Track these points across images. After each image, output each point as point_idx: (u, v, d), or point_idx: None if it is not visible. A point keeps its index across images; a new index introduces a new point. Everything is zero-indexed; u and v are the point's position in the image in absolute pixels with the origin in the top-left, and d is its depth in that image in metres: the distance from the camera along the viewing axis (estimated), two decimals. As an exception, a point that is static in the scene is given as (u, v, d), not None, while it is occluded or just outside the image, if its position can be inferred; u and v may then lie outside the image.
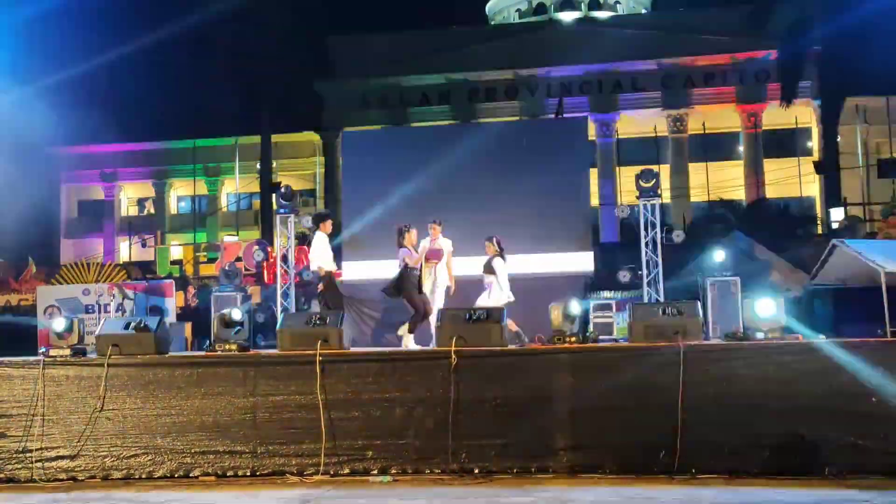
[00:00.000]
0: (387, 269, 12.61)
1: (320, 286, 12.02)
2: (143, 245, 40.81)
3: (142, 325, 9.05)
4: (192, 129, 41.64)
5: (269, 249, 20.93)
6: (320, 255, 11.84)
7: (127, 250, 43.93)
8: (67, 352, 8.97)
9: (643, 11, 51.81)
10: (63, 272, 22.73)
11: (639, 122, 40.87)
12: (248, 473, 8.41)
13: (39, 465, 8.56)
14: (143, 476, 8.45)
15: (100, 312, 16.99)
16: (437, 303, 11.62)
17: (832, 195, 32.01)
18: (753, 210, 32.72)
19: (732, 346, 8.67)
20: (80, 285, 19.27)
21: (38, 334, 16.26)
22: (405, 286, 11.57)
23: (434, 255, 11.84)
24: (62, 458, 8.57)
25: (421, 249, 11.78)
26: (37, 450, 8.58)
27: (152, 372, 8.73)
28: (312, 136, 43.66)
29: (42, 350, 9.23)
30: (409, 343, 11.33)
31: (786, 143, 39.62)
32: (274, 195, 17.84)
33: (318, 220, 12.31)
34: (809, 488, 7.40)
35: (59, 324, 9.28)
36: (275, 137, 37.62)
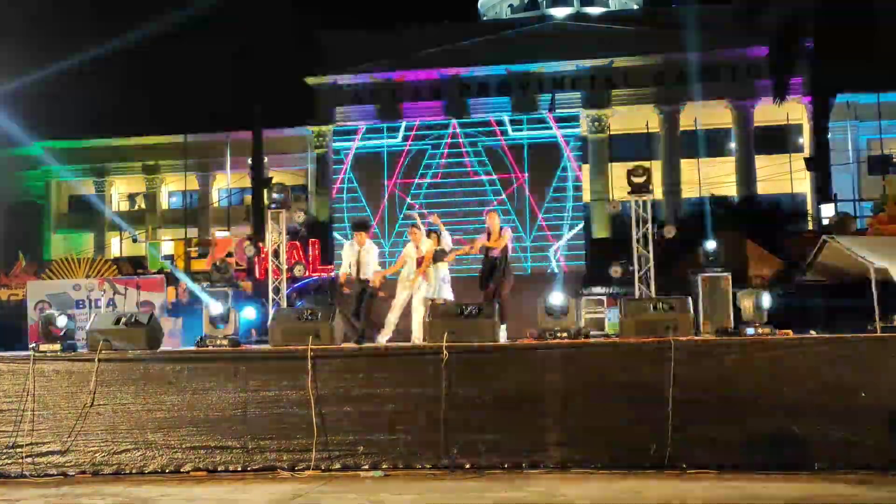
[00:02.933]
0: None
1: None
2: (134, 240, 40.66)
3: (133, 320, 9.03)
4: (184, 124, 41.50)
5: (261, 245, 20.89)
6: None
7: (118, 245, 43.81)
8: (58, 347, 8.94)
9: (635, 7, 51.84)
10: (53, 267, 22.67)
11: (631, 117, 40.93)
12: (239, 469, 8.40)
13: (30, 460, 8.53)
14: (134, 471, 8.44)
15: (90, 308, 16.95)
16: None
17: (822, 191, 32.06)
18: (744, 206, 32.79)
19: (723, 341, 8.70)
20: (71, 280, 19.22)
21: (28, 329, 16.22)
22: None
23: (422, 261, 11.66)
24: (52, 453, 8.54)
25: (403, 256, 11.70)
26: (27, 445, 8.56)
27: (143, 367, 8.71)
28: (304, 132, 43.57)
29: (32, 345, 9.20)
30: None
31: (777, 140, 39.69)
32: (265, 191, 17.85)
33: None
34: (799, 483, 7.42)
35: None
36: (266, 133, 37.50)
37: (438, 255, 11.67)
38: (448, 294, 11.50)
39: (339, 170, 18.02)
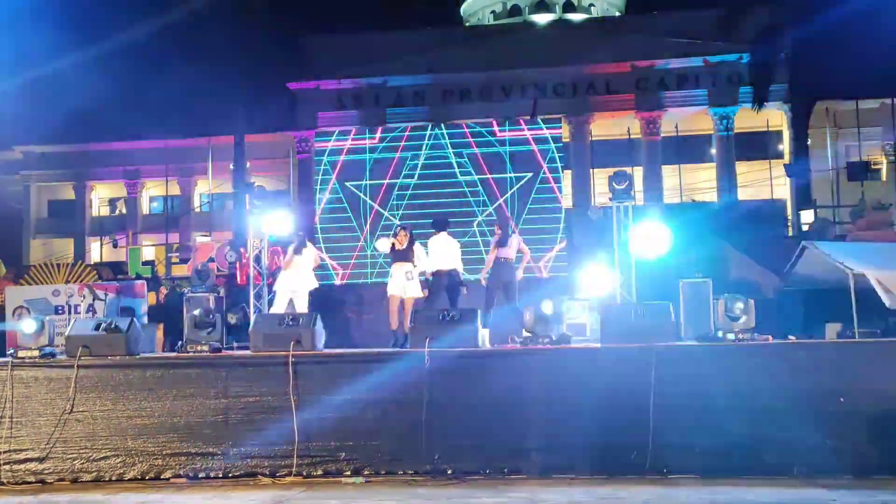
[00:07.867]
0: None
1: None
2: (115, 245, 40.32)
3: (112, 326, 8.96)
4: (165, 128, 41.26)
5: (242, 250, 20.78)
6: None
7: (98, 251, 43.48)
8: (36, 353, 8.86)
9: (617, 14, 52.10)
10: (32, 273, 22.42)
11: (612, 124, 41.06)
12: (220, 475, 8.36)
13: (7, 467, 8.46)
14: (114, 478, 8.38)
15: (70, 313, 16.79)
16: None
17: (802, 197, 32.30)
18: (725, 212, 32.95)
19: (704, 347, 8.73)
20: (50, 286, 19.03)
21: (6, 336, 16.04)
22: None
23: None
24: (31, 460, 8.48)
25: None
26: (4, 452, 8.49)
27: (123, 373, 8.66)
28: (286, 137, 43.43)
29: (10, 351, 9.11)
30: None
31: (757, 146, 39.95)
32: (247, 196, 17.78)
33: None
34: (779, 488, 7.47)
35: (28, 325, 9.13)
36: (249, 138, 37.37)
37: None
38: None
39: (321, 175, 18.00)
